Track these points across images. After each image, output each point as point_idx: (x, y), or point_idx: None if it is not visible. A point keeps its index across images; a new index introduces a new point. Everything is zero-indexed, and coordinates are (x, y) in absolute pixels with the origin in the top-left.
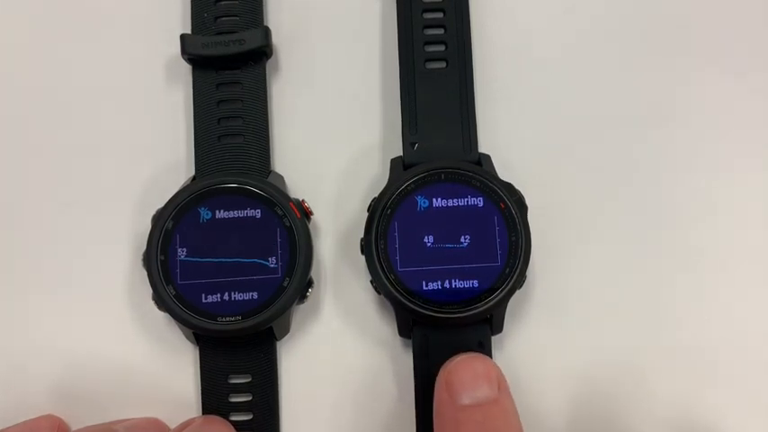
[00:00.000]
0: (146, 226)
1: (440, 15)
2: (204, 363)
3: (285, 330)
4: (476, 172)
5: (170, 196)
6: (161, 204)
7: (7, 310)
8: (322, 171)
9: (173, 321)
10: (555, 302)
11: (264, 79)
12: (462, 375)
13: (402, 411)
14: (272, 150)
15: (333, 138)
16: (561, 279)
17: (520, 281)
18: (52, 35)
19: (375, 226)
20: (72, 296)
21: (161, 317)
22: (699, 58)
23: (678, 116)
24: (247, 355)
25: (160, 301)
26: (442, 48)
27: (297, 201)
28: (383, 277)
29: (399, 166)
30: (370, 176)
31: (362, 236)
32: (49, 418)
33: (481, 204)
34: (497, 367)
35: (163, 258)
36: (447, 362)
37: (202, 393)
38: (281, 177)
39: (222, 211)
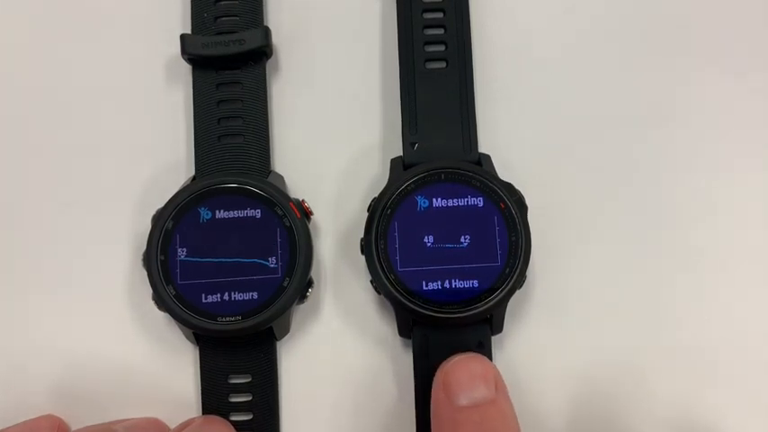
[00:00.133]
0: (146, 226)
1: (440, 15)
2: (204, 363)
3: (285, 330)
4: (476, 172)
5: (170, 196)
6: (161, 204)
7: (7, 310)
8: (322, 171)
9: (173, 321)
10: (555, 302)
11: (264, 79)
12: (459, 376)
13: (402, 411)
14: (272, 150)
15: (333, 138)
16: (561, 279)
17: (520, 281)
18: (52, 35)
19: (375, 226)
20: (72, 296)
21: (161, 317)
22: (699, 58)
23: (678, 116)
24: (247, 355)
25: (160, 301)
26: (442, 48)
27: (297, 201)
28: (383, 277)
29: (399, 166)
30: (370, 176)
31: (362, 236)
32: (49, 418)
33: (481, 204)
34: (494, 367)
35: (163, 258)
36: (444, 362)
37: (202, 393)
38: (281, 177)
39: (222, 211)
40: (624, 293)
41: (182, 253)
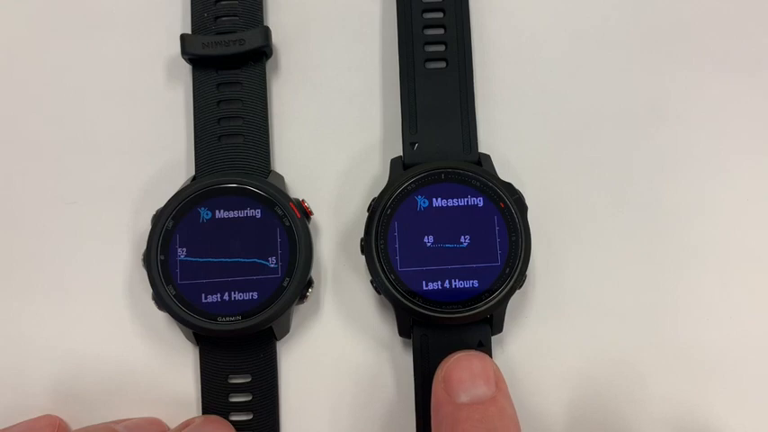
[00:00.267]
0: (146, 226)
1: (440, 15)
2: (204, 363)
3: (285, 330)
4: (476, 172)
5: (170, 196)
6: (161, 204)
7: (7, 311)
8: (322, 171)
9: (173, 321)
10: (555, 302)
11: (264, 79)
12: (460, 373)
13: (402, 411)
14: (272, 150)
15: (333, 138)
16: (561, 279)
17: (520, 281)
18: (52, 35)
19: (375, 226)
20: (72, 296)
21: (161, 317)
22: (699, 58)
23: (677, 116)
24: (247, 355)
25: (160, 300)
26: (442, 48)
27: (297, 201)
28: (383, 277)
29: (399, 166)
30: (370, 176)
31: (362, 236)
32: (49, 417)
33: (481, 204)
34: (495, 365)
35: (163, 258)
36: (444, 360)
37: (202, 393)
38: (281, 177)
39: (222, 210)
40: (624, 293)
41: (182, 253)
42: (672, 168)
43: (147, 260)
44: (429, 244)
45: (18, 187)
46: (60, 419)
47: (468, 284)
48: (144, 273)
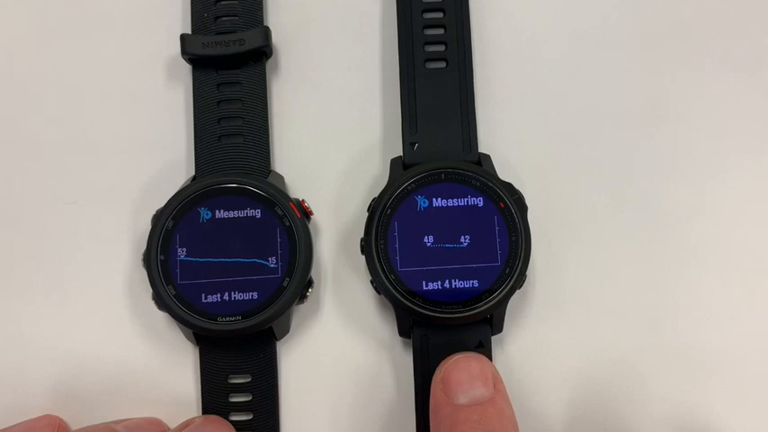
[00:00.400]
0: (146, 226)
1: (440, 15)
2: (204, 363)
3: (285, 330)
4: (476, 172)
5: (170, 196)
6: (161, 204)
7: (7, 311)
8: (322, 171)
9: (173, 321)
10: (555, 302)
11: (264, 79)
12: (458, 375)
13: (402, 411)
14: (272, 150)
15: (333, 138)
16: (561, 279)
17: (520, 281)
18: (52, 35)
19: (375, 226)
20: (72, 296)
21: (161, 317)
22: (699, 58)
23: (677, 116)
24: (247, 355)
25: (160, 300)
26: (442, 48)
27: (297, 201)
28: (383, 277)
29: (399, 166)
30: (370, 176)
31: (362, 236)
32: (49, 417)
33: (481, 204)
34: (493, 366)
35: (163, 258)
36: (443, 361)
37: (202, 393)
38: (281, 177)
39: (222, 210)
40: (624, 293)
41: (181, 253)
42: (672, 168)
43: (147, 260)
44: (429, 244)
45: (18, 187)
46: (60, 419)
47: (468, 284)
48: (144, 273)
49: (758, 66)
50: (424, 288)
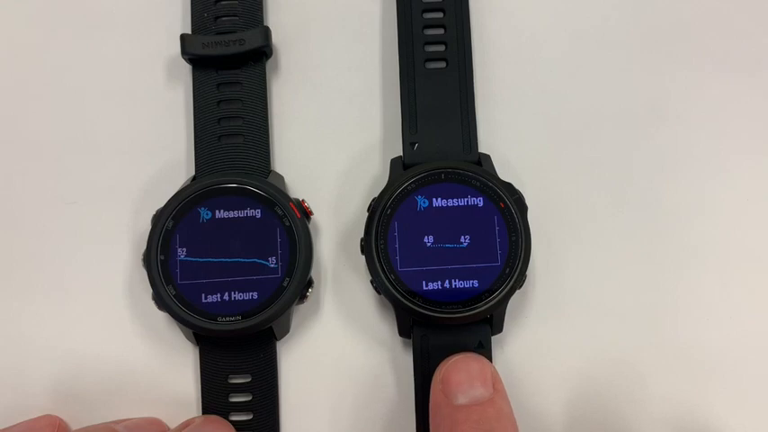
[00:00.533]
0: (146, 226)
1: (440, 15)
2: (204, 363)
3: (285, 330)
4: (476, 172)
5: (170, 196)
6: (161, 204)
7: (7, 311)
8: (322, 171)
9: (173, 321)
10: (555, 302)
11: (264, 79)
12: (458, 375)
13: (402, 411)
14: (272, 150)
15: (333, 138)
16: (561, 279)
17: (520, 281)
18: (52, 35)
19: (375, 226)
20: (72, 296)
21: (161, 317)
22: (699, 58)
23: (678, 116)
24: (247, 355)
25: (160, 300)
26: (442, 48)
27: (297, 201)
28: (383, 277)
29: (399, 166)
30: (370, 176)
31: (362, 236)
32: (49, 417)
33: (481, 204)
34: (492, 367)
35: (163, 258)
36: (443, 362)
37: (202, 393)
38: (281, 177)
39: (222, 210)
40: (624, 293)
41: (181, 253)
42: (672, 168)
43: (147, 260)
44: (429, 244)
45: (18, 187)
46: (60, 419)
47: (468, 284)
48: (144, 273)
49: (758, 66)
50: (424, 288)
